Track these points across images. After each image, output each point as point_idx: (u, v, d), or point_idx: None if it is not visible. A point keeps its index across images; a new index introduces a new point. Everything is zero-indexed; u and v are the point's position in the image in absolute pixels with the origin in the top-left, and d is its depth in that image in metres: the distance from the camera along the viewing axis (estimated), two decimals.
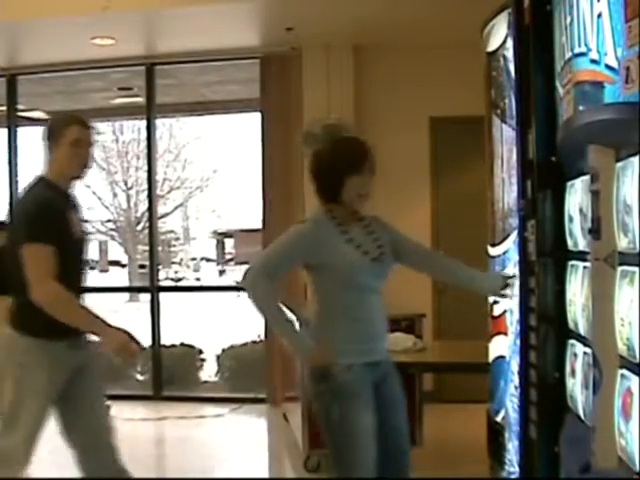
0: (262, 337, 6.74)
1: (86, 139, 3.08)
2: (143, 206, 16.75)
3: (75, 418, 3.10)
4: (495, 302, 3.38)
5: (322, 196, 2.86)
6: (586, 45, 2.09)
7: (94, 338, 3.03)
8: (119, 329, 2.92)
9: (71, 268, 3.00)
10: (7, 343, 3.02)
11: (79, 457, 3.08)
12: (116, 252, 22.72)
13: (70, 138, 3.01)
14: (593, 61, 2.03)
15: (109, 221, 18.91)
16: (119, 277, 20.18)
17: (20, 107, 7.30)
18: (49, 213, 2.93)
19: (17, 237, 2.94)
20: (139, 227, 17.84)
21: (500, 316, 3.27)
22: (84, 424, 3.11)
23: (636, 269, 1.86)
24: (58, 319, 2.84)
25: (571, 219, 2.47)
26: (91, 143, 3.12)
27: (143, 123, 7.73)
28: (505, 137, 3.16)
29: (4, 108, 7.15)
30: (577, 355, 2.40)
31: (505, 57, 3.08)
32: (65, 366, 3.01)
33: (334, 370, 2.70)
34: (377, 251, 2.80)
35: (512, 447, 3.00)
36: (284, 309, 2.86)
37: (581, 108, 2.18)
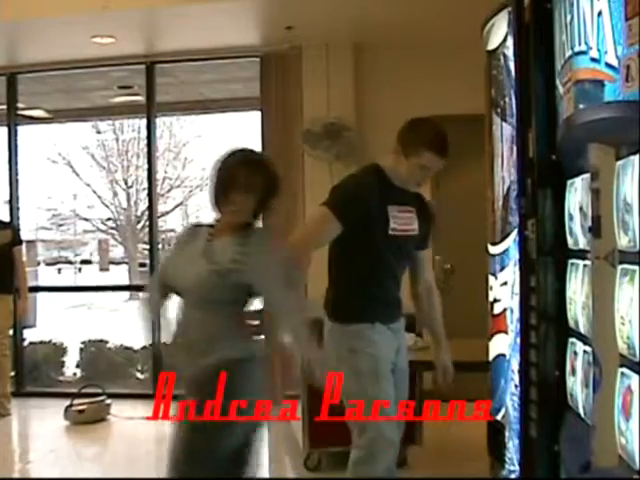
0: (262, 336, 6.72)
1: (433, 167, 3.07)
2: (143, 205, 16.74)
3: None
4: (495, 300, 3.38)
5: None
6: (586, 43, 2.09)
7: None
8: None
9: (374, 264, 3.08)
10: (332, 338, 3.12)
11: None
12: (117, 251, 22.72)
13: (421, 162, 3.03)
14: (593, 59, 2.02)
15: (109, 220, 18.91)
16: (119, 276, 20.18)
17: (20, 106, 7.30)
18: (361, 194, 3.02)
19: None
20: (139, 226, 17.83)
21: (500, 314, 3.27)
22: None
23: (636, 267, 1.86)
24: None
25: (571, 217, 2.47)
26: (433, 170, 3.10)
27: (143, 122, 7.73)
28: (505, 135, 3.16)
29: (4, 107, 7.14)
30: (577, 353, 2.40)
31: (505, 55, 3.08)
32: (391, 348, 3.11)
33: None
34: None
35: (512, 446, 3.00)
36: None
37: (581, 106, 2.18)
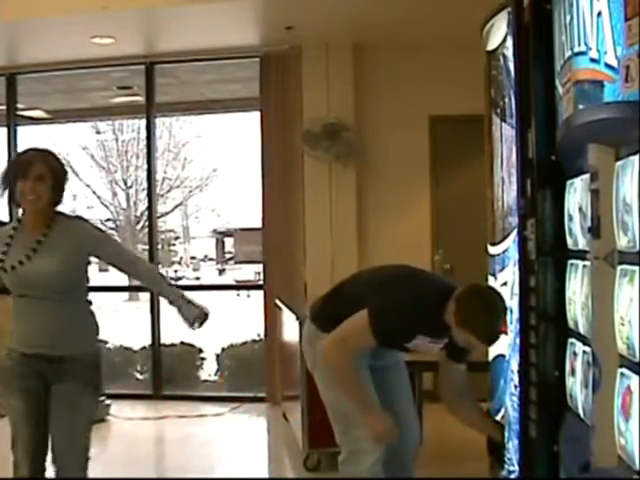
0: (262, 336, 6.73)
1: (475, 347, 2.98)
2: (143, 205, 16.75)
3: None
4: None
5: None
6: (586, 44, 2.09)
7: None
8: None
9: None
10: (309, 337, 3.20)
11: None
12: None
13: (465, 336, 2.88)
14: (593, 60, 2.02)
15: (109, 220, 18.90)
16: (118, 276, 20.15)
17: (20, 106, 7.29)
18: (404, 332, 2.99)
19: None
20: (139, 226, 17.83)
21: None
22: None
23: (636, 268, 1.86)
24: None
25: (571, 218, 2.47)
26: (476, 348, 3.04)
27: (143, 122, 7.73)
28: (505, 136, 3.16)
29: (4, 107, 7.14)
30: (577, 354, 2.40)
31: (505, 56, 3.08)
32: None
33: None
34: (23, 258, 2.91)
35: (512, 446, 3.00)
36: None
37: (581, 107, 2.18)
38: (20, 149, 7.18)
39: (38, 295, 2.91)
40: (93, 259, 3.14)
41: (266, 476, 4.87)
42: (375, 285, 3.08)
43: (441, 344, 3.07)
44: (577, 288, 2.38)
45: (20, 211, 3.07)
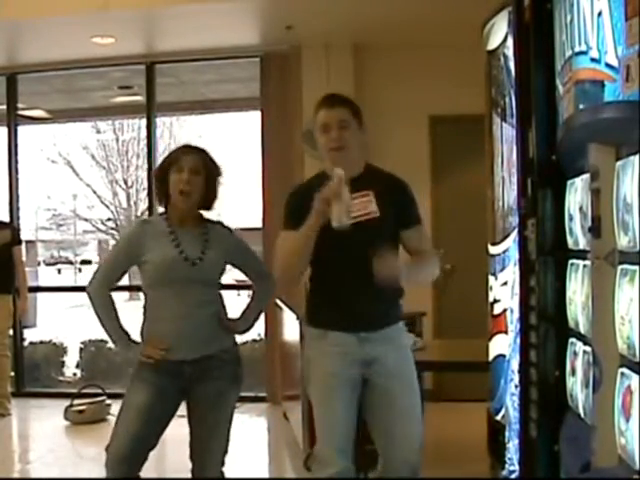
0: (262, 336, 6.73)
1: (329, 125, 3.08)
2: (143, 205, 16.75)
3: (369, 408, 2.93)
4: (495, 301, 3.38)
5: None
6: (586, 43, 2.09)
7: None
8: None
9: (325, 264, 2.90)
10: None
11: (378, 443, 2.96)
12: None
13: (318, 125, 3.06)
14: (593, 60, 2.03)
15: (109, 220, 18.93)
16: None
17: (20, 106, 7.30)
18: (298, 202, 3.02)
19: None
20: None
21: (500, 315, 3.27)
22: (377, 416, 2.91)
23: (636, 268, 1.86)
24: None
25: (571, 218, 2.47)
26: (332, 130, 3.08)
27: (143, 122, 7.73)
28: (505, 136, 3.16)
29: (4, 107, 7.15)
30: (577, 354, 2.40)
31: (505, 55, 3.08)
32: (351, 361, 2.84)
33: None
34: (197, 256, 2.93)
35: (512, 446, 3.00)
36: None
37: (581, 107, 2.18)
38: (20, 149, 7.20)
39: (193, 289, 2.91)
40: None
41: (266, 476, 4.86)
42: None
43: (369, 198, 2.93)
44: (577, 288, 2.38)
45: (160, 209, 3.06)
